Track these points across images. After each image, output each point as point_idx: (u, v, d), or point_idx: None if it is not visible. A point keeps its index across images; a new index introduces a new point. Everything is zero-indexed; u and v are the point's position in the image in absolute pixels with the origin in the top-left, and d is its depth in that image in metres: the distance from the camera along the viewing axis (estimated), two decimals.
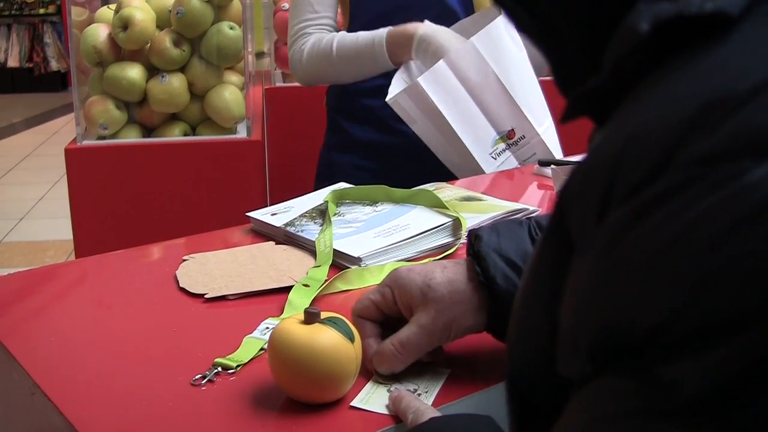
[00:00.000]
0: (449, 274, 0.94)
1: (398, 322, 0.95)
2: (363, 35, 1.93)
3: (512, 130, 1.87)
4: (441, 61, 1.79)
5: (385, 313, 0.96)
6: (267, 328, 1.05)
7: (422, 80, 1.78)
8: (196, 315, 1.14)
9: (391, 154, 2.05)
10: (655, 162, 0.38)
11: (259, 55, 3.56)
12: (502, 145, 1.86)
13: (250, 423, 0.88)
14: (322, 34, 1.99)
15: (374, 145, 2.07)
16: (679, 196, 0.37)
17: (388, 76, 1.93)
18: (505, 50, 1.85)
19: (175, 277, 1.24)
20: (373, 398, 0.91)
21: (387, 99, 1.84)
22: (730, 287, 0.35)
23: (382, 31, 1.90)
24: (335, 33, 1.97)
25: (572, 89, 0.49)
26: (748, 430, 0.35)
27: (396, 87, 1.87)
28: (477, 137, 1.83)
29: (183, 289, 1.20)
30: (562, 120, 0.47)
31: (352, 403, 0.90)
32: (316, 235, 1.34)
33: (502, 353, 1.00)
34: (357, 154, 2.09)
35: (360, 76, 2.00)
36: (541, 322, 0.47)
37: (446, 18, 1.98)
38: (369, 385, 0.93)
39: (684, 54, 0.41)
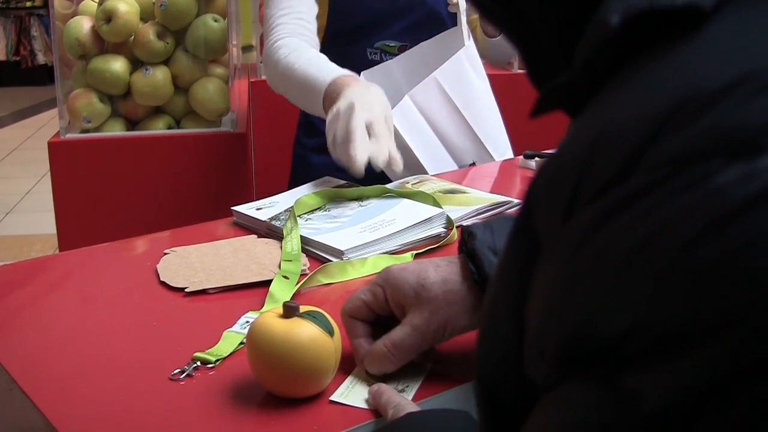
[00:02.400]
0: (443, 273, 0.92)
1: (389, 321, 0.93)
2: (312, 71, 1.74)
3: (473, 163, 1.86)
4: (405, 97, 1.76)
5: (376, 313, 0.94)
6: (247, 322, 1.04)
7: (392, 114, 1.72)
8: (176, 309, 1.14)
9: None
10: (624, 161, 0.37)
11: (247, 48, 3.54)
12: None
13: (228, 418, 0.87)
14: (292, 43, 1.84)
15: None
16: (648, 198, 0.35)
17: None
18: (467, 83, 1.83)
19: (156, 270, 1.23)
20: (353, 393, 0.90)
21: None
22: (697, 296, 0.33)
23: (326, 78, 1.69)
24: (299, 51, 1.81)
25: (544, 83, 0.48)
26: None
27: None
28: (440, 170, 1.81)
29: (164, 283, 1.20)
30: (532, 114, 0.46)
31: (331, 398, 0.89)
32: (303, 230, 1.33)
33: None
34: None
35: (307, 109, 1.84)
36: (509, 325, 0.46)
37: (432, 23, 1.96)
38: (349, 380, 0.92)
39: (656, 50, 0.40)
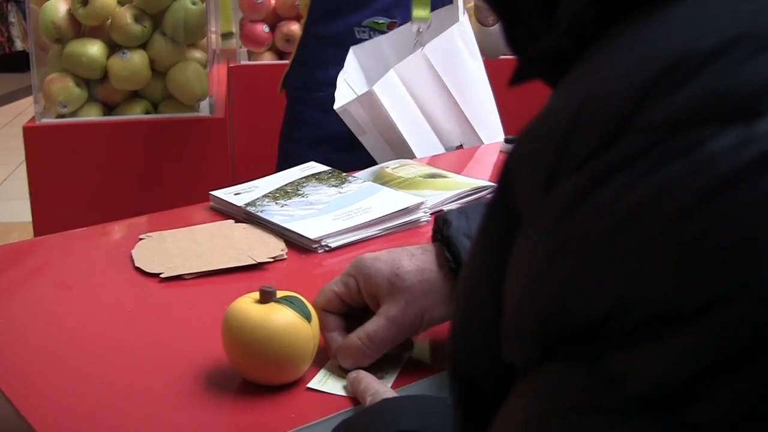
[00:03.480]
0: (418, 262, 0.89)
1: (363, 313, 0.91)
2: None
3: (461, 145, 1.83)
4: (391, 71, 1.72)
5: (349, 305, 0.91)
6: None
7: (377, 89, 1.71)
8: (151, 295, 1.12)
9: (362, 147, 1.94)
10: (611, 127, 0.34)
11: (227, 35, 3.50)
12: None
13: (203, 406, 0.85)
14: None
15: (347, 136, 1.93)
16: (636, 166, 0.33)
17: None
18: (458, 60, 1.79)
19: (131, 256, 1.21)
20: (331, 380, 0.88)
21: (335, 107, 1.76)
22: (687, 272, 0.31)
23: None
24: None
25: (525, 50, 0.46)
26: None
27: (343, 94, 1.79)
28: (426, 151, 1.77)
29: (138, 269, 1.17)
30: (510, 83, 0.44)
31: (309, 385, 0.88)
32: (277, 216, 1.31)
33: None
34: (327, 147, 1.97)
35: None
36: (486, 304, 0.43)
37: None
38: (326, 367, 0.91)
39: (643, 10, 0.37)
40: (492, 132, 1.85)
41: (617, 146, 0.34)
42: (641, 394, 0.32)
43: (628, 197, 0.33)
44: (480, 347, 0.44)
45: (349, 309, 0.92)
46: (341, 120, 1.81)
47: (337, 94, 1.79)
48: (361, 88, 1.86)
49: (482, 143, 1.82)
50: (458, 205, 1.40)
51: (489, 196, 1.44)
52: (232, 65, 3.18)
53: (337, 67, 1.90)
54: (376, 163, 1.65)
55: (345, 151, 1.90)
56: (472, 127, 1.81)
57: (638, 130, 0.33)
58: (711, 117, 0.32)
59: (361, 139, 1.80)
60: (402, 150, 1.75)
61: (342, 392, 0.86)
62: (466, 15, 1.85)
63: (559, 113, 0.38)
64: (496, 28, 2.00)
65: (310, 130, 2.03)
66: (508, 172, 0.42)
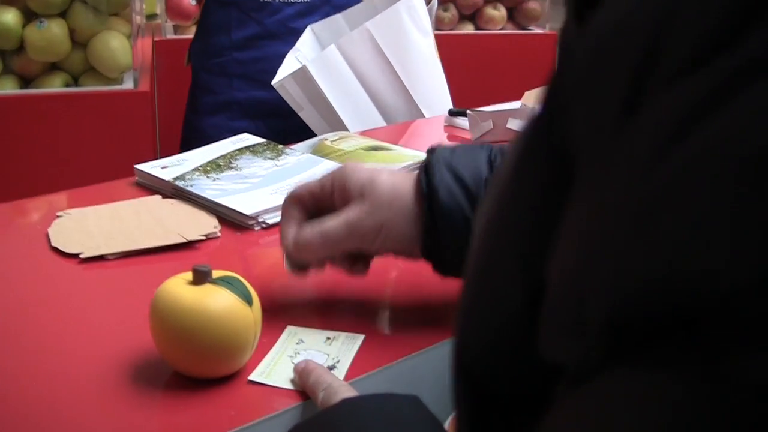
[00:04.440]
0: (396, 179, 0.88)
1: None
2: None
3: (404, 123, 1.80)
4: (332, 46, 1.71)
5: (317, 205, 0.90)
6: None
7: (311, 65, 1.69)
8: (69, 278, 1.04)
9: (268, 112, 1.93)
10: (739, 13, 0.24)
11: (151, 17, 3.36)
12: None
13: (129, 403, 0.76)
14: None
15: (250, 102, 1.96)
16: None
17: (261, 24, 1.86)
18: (404, 37, 1.76)
19: (47, 235, 1.12)
20: (276, 371, 0.79)
21: (273, 82, 1.74)
22: None
23: None
24: None
25: None
26: None
27: (286, 69, 1.77)
28: (364, 128, 1.74)
29: (56, 249, 1.09)
30: None
31: (250, 377, 0.79)
32: (208, 191, 1.21)
33: (425, 313, 0.91)
34: (228, 114, 1.96)
35: None
36: (515, 285, 0.33)
37: None
38: (270, 356, 0.81)
39: None
40: (438, 108, 1.82)
41: (750, 42, 0.23)
42: None
43: None
44: (500, 341, 0.34)
45: (316, 210, 0.90)
46: (244, 86, 1.86)
47: (280, 70, 1.76)
48: None
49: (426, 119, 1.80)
50: None
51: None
52: (157, 39, 3.06)
53: (240, 32, 1.91)
54: (280, 134, 1.59)
55: (248, 119, 1.91)
56: (416, 105, 1.79)
57: None
58: None
59: (300, 114, 1.77)
60: (339, 127, 1.72)
61: (289, 385, 0.78)
62: None
63: (645, 7, 0.27)
64: None
65: (212, 97, 2.00)
66: (552, 100, 0.31)
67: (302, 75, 1.70)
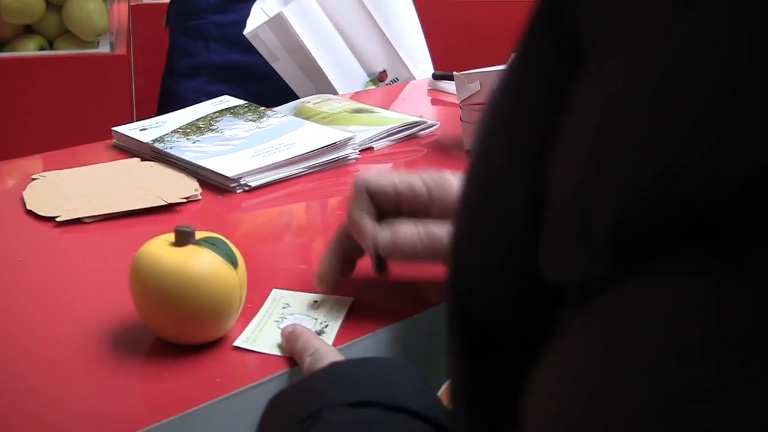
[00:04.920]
0: None
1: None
2: None
3: (384, 71, 1.75)
4: None
5: (394, 205, 0.80)
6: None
7: (287, 11, 1.64)
8: (46, 242, 1.00)
9: (245, 76, 1.89)
10: None
11: None
12: (373, 88, 1.74)
13: (110, 371, 0.73)
14: None
15: (227, 66, 1.91)
16: None
17: None
18: None
19: (22, 198, 1.09)
20: (262, 336, 0.76)
21: (245, 32, 1.69)
22: None
23: None
24: None
25: None
26: None
27: (256, 19, 1.72)
28: (345, 78, 1.70)
29: (31, 212, 1.05)
30: None
31: (235, 343, 0.76)
32: (189, 153, 1.17)
33: (416, 276, 0.88)
34: (205, 78, 1.92)
35: None
36: (516, 197, 0.30)
37: None
38: (256, 321, 0.78)
39: None
40: (417, 57, 1.78)
41: None
42: None
43: None
44: (498, 263, 0.30)
45: (385, 212, 0.80)
46: (221, 49, 1.82)
47: (249, 21, 1.71)
48: None
49: (406, 68, 1.75)
50: (389, 142, 1.30)
51: (427, 131, 1.34)
52: (133, 4, 3.02)
53: None
54: (257, 98, 1.55)
55: (225, 83, 1.86)
56: (396, 52, 1.74)
57: None
58: None
59: (274, 65, 1.72)
60: (318, 77, 1.68)
61: (275, 351, 0.74)
62: None
63: None
64: None
65: (189, 60, 1.96)
66: None
67: (278, 22, 1.65)
